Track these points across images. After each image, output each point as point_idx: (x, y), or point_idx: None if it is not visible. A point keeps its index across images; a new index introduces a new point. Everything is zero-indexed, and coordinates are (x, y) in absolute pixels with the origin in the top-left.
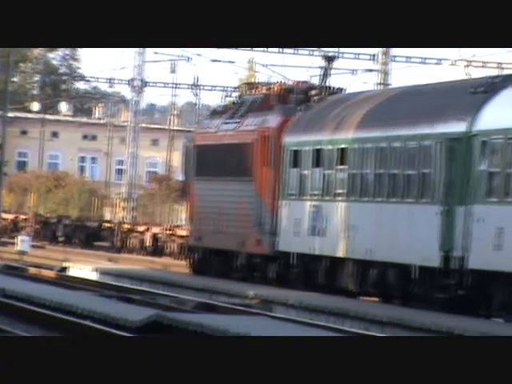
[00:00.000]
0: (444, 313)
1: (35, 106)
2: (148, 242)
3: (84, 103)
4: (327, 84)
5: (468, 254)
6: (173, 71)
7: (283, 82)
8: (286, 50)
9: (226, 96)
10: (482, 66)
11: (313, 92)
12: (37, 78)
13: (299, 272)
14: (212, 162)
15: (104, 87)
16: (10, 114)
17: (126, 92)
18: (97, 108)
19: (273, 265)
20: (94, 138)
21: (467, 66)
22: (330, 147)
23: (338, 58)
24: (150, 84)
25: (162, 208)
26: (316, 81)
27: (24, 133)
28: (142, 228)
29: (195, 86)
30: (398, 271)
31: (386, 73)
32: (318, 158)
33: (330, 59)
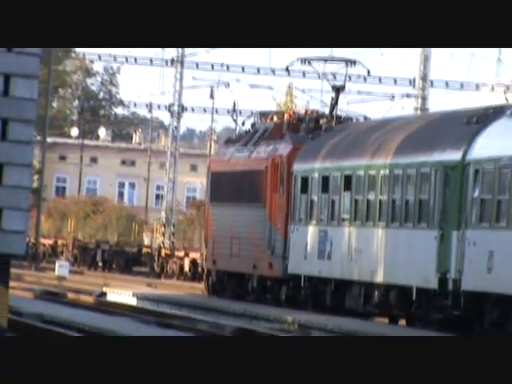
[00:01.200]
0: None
1: (74, 131)
2: (187, 267)
3: (122, 128)
4: (336, 113)
5: (462, 276)
6: (211, 96)
7: (294, 111)
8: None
9: (243, 124)
10: None
11: (322, 121)
12: (75, 103)
13: (308, 294)
14: (226, 188)
15: (143, 112)
16: (49, 140)
17: (164, 117)
18: (135, 133)
19: (284, 287)
20: (132, 163)
21: (506, 91)
22: (335, 174)
23: (345, 88)
24: (189, 109)
25: (200, 233)
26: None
27: (63, 158)
28: (180, 253)
29: (233, 112)
30: (399, 293)
31: (423, 98)
32: (324, 184)
33: (337, 89)
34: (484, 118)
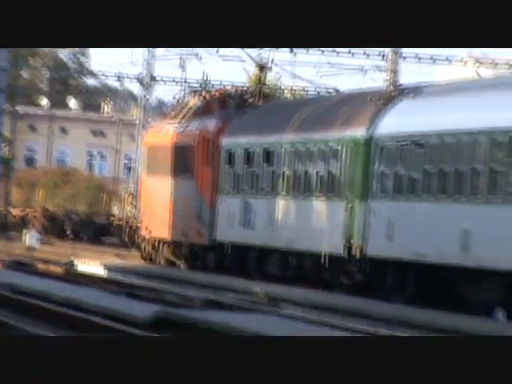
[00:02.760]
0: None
1: (44, 100)
2: None
3: (93, 99)
4: (262, 90)
5: (366, 243)
6: (181, 67)
7: (224, 88)
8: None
9: (176, 99)
10: (491, 63)
11: (249, 98)
12: (46, 73)
13: (233, 261)
14: (160, 160)
15: (113, 83)
16: (19, 109)
17: (135, 88)
18: (106, 104)
19: (212, 254)
20: (102, 134)
21: (477, 66)
22: (257, 149)
23: (272, 68)
24: (159, 80)
25: None
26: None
27: (33, 128)
28: None
29: (204, 83)
30: (313, 259)
31: (395, 71)
32: (248, 158)
33: (262, 68)
34: (390, 98)
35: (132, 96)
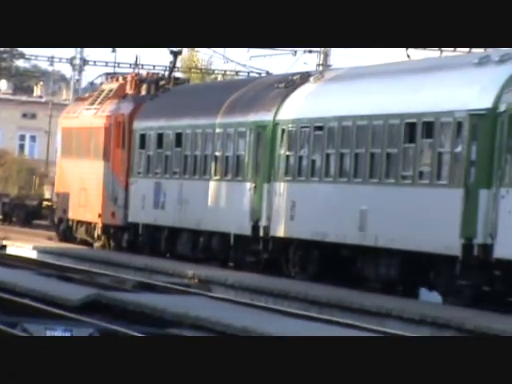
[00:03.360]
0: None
1: None
2: None
3: (24, 81)
4: (173, 75)
5: (270, 223)
6: (113, 50)
7: (137, 73)
8: None
9: (91, 83)
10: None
11: (161, 83)
12: None
13: (145, 240)
14: (75, 143)
15: (44, 65)
16: None
17: (66, 71)
18: (37, 86)
19: (125, 234)
20: (33, 116)
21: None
22: (168, 132)
23: (182, 53)
24: (91, 63)
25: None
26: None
27: None
28: None
29: (136, 65)
30: (221, 239)
31: (326, 54)
32: (159, 141)
33: (175, 54)
34: (292, 83)
35: (63, 78)
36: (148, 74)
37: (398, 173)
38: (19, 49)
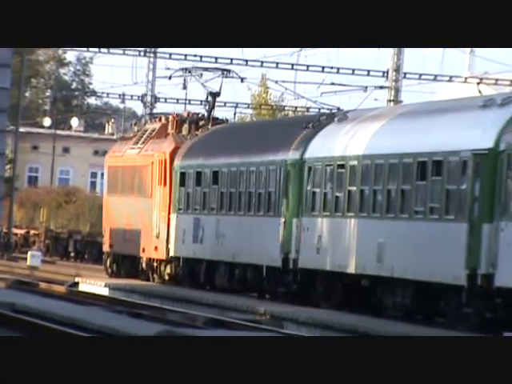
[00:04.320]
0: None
1: (47, 121)
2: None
3: (95, 119)
4: (212, 115)
5: (299, 255)
6: (184, 87)
7: (178, 113)
8: (297, 66)
9: (135, 124)
10: (494, 84)
11: (201, 123)
12: (48, 93)
13: (186, 273)
14: (120, 181)
15: (115, 103)
16: (22, 129)
17: (137, 108)
18: (108, 124)
19: (167, 267)
20: (105, 153)
21: (479, 83)
22: (206, 170)
23: (220, 94)
24: (162, 100)
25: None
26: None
27: (35, 148)
28: None
29: (207, 102)
30: (254, 271)
31: (397, 89)
32: (198, 178)
33: (213, 95)
34: (318, 123)
35: (135, 116)
36: (189, 114)
37: (411, 208)
38: (91, 86)
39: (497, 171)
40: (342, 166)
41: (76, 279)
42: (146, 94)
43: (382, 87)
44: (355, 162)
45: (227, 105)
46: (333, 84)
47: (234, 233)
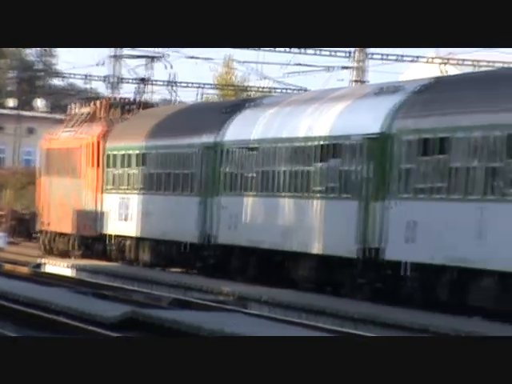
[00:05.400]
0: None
1: (10, 102)
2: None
3: (60, 100)
4: (142, 100)
5: (217, 232)
6: (148, 68)
7: (109, 97)
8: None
9: (70, 107)
10: (458, 64)
11: (130, 107)
12: (13, 74)
13: (115, 249)
14: (55, 162)
15: (80, 84)
16: None
17: (102, 89)
18: (73, 105)
19: (99, 244)
20: None
21: (444, 63)
22: (133, 152)
23: (151, 80)
24: (126, 81)
25: None
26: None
27: (0, 129)
28: None
29: (171, 83)
30: (176, 246)
31: (361, 70)
32: (125, 160)
33: (143, 80)
34: (234, 108)
35: (99, 96)
36: (120, 99)
37: (310, 187)
38: (55, 67)
39: (386, 154)
40: (254, 149)
41: (40, 260)
42: (109, 75)
43: (346, 67)
44: (265, 145)
45: (192, 85)
46: (298, 64)
47: (159, 212)
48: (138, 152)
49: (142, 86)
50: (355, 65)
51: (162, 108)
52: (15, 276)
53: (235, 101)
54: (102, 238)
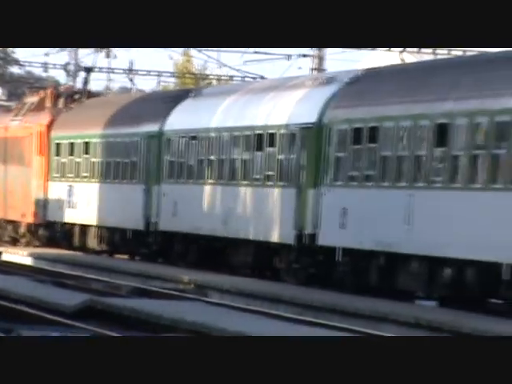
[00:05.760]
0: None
1: None
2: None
3: (18, 88)
4: (87, 89)
5: (159, 219)
6: (108, 56)
7: (55, 87)
8: None
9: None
10: (417, 52)
11: (76, 96)
12: None
13: (62, 236)
14: (2, 150)
15: (38, 72)
16: None
17: (60, 77)
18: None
19: (45, 231)
20: None
21: (402, 51)
22: (78, 141)
23: (95, 69)
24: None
25: None
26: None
27: None
28: None
29: (130, 71)
30: (121, 233)
31: (321, 58)
32: (71, 149)
33: (88, 70)
34: (177, 98)
35: (58, 85)
36: (66, 88)
37: (249, 175)
38: (13, 55)
39: (320, 143)
40: (194, 138)
41: None
42: (69, 63)
43: (305, 55)
44: (205, 134)
45: (151, 73)
46: (256, 53)
47: (103, 199)
48: (83, 141)
49: (87, 75)
50: (314, 53)
51: (108, 98)
52: None
53: (177, 91)
54: (50, 224)
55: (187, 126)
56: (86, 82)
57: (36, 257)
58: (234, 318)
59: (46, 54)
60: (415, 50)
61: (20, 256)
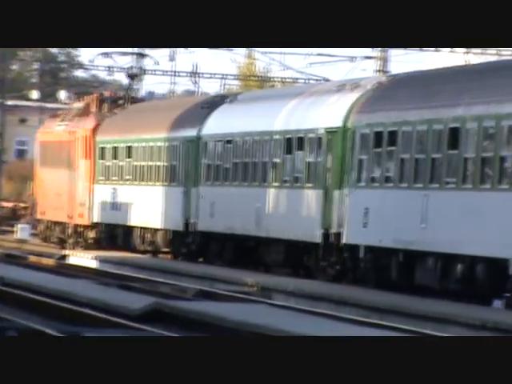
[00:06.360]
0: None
1: (34, 94)
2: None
3: (83, 91)
4: (130, 95)
5: (197, 220)
6: (171, 59)
7: (100, 93)
8: None
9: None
10: (481, 53)
11: (120, 101)
12: (36, 66)
13: (107, 237)
14: (50, 154)
15: (103, 75)
16: (9, 102)
17: (125, 80)
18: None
19: (91, 232)
20: None
21: (466, 52)
22: (122, 145)
23: (141, 75)
24: (149, 72)
25: None
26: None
27: (23, 121)
28: None
29: (194, 74)
30: (164, 233)
31: (384, 60)
32: (115, 152)
33: (132, 76)
34: (214, 103)
35: (122, 88)
36: (110, 94)
37: (281, 178)
38: (78, 59)
39: (344, 146)
40: (230, 142)
41: (64, 252)
42: (132, 67)
43: (369, 57)
44: (239, 139)
45: (215, 76)
46: (320, 55)
47: (145, 201)
48: (126, 145)
49: (130, 82)
50: (378, 55)
51: (149, 103)
52: (40, 268)
53: (213, 96)
54: (96, 226)
55: (223, 130)
56: (129, 88)
57: (102, 260)
58: (298, 320)
59: (109, 57)
60: (479, 50)
61: (86, 259)
